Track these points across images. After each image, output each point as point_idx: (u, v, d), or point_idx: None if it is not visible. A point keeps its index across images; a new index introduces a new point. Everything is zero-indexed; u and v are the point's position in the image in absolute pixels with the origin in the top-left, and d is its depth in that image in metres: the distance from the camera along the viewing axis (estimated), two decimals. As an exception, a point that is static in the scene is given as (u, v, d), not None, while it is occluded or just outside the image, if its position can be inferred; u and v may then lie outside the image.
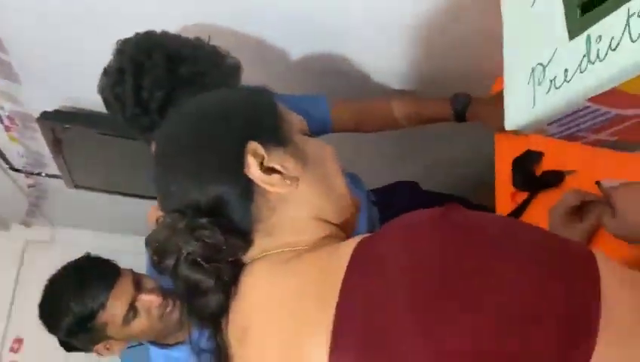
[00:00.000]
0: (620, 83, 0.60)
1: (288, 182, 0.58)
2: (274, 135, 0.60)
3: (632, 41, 0.56)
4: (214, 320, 0.58)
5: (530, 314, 0.41)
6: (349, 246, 0.50)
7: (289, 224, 0.58)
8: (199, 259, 0.56)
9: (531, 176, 1.09)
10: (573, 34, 0.65)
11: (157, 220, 0.60)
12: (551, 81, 0.67)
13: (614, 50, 0.58)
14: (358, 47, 1.28)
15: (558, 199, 0.92)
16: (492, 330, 0.41)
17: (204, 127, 0.60)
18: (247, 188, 0.57)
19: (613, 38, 0.59)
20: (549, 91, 0.67)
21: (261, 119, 0.60)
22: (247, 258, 0.59)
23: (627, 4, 0.58)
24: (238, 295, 0.57)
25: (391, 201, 1.37)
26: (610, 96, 0.63)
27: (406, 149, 1.64)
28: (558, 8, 0.68)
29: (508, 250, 0.44)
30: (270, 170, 0.57)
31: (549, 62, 0.69)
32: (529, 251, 0.44)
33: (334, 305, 0.46)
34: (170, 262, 0.57)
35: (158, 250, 0.58)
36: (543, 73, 0.69)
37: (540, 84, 0.69)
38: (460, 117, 1.23)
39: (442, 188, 1.52)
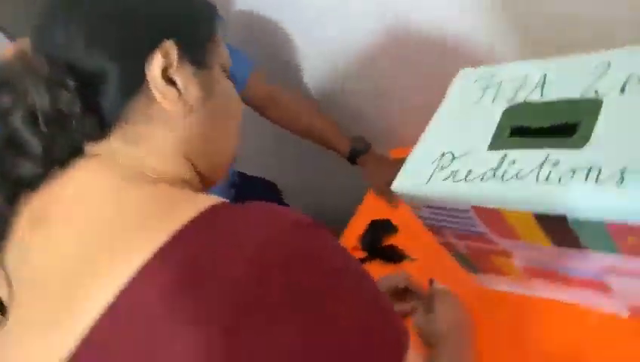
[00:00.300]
0: (507, 209, 0.63)
1: (181, 104, 0.51)
2: (196, 50, 0.53)
3: (536, 181, 0.60)
4: (15, 188, 0.50)
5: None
6: (207, 201, 0.45)
7: (158, 145, 0.51)
8: (40, 118, 0.47)
9: (376, 242, 1.13)
10: (493, 146, 0.68)
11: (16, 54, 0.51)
12: (452, 172, 0.70)
13: (519, 179, 0.62)
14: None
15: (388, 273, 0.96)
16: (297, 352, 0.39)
17: None
18: (136, 81, 0.50)
19: (523, 169, 0.63)
20: (445, 179, 0.69)
21: (194, 25, 0.54)
22: (90, 150, 0.51)
23: (549, 150, 0.62)
24: (57, 180, 0.49)
25: (248, 193, 1.34)
26: (492, 216, 0.66)
27: (304, 155, 1.60)
28: (495, 118, 0.71)
29: (349, 288, 0.43)
30: (170, 82, 0.51)
31: (460, 156, 0.71)
32: (365, 300, 0.44)
33: (160, 245, 0.41)
34: (6, 101, 0.48)
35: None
36: (450, 162, 0.72)
37: (442, 169, 0.71)
38: (351, 158, 1.26)
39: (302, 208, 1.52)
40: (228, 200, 0.47)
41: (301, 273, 0.41)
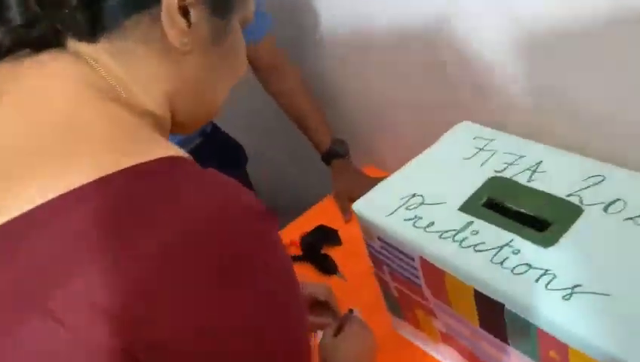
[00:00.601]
0: (452, 274, 0.62)
1: (186, 39, 0.46)
2: None
3: (491, 261, 0.59)
4: None
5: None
6: (169, 150, 0.41)
7: (145, 72, 0.46)
8: None
9: (316, 247, 1.11)
10: (464, 209, 0.66)
11: None
12: (416, 216, 0.68)
13: (475, 251, 0.60)
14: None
15: (315, 281, 0.94)
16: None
17: None
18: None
19: (483, 243, 0.61)
20: (407, 220, 0.68)
21: None
22: (72, 46, 0.46)
23: (514, 236, 0.61)
24: (24, 60, 0.44)
25: (213, 146, 1.29)
26: (434, 274, 0.65)
27: (283, 132, 1.53)
28: (477, 182, 0.70)
29: (270, 289, 0.40)
30: (183, 12, 0.45)
31: (429, 203, 0.69)
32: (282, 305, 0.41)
33: (100, 174, 0.37)
34: None
35: None
36: (417, 206, 0.70)
37: (407, 209, 0.69)
38: (325, 158, 1.23)
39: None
40: (190, 157, 0.43)
41: (229, 257, 0.38)
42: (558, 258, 0.57)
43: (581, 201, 0.63)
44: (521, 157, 0.72)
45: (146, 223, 0.36)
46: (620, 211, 0.60)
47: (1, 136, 0.40)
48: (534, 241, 0.59)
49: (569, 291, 0.53)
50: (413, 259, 0.67)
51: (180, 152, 0.43)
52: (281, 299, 0.42)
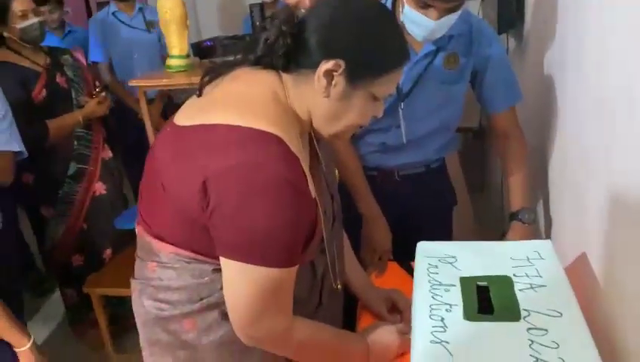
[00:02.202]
0: None
1: (325, 90, 0.90)
2: (354, 76, 0.89)
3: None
4: (242, 62, 0.98)
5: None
6: (274, 130, 0.87)
7: (302, 95, 0.93)
8: (269, 38, 0.91)
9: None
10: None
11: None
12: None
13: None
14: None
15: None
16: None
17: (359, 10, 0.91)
18: (316, 64, 0.89)
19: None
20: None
21: (366, 65, 0.90)
22: (276, 69, 0.94)
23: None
24: (255, 68, 0.96)
25: None
26: None
27: None
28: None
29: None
30: (329, 77, 0.88)
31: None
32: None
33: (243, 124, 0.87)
34: (268, 23, 0.93)
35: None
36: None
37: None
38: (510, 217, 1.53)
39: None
40: (281, 136, 0.87)
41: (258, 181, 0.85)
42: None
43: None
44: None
45: (239, 149, 0.85)
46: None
47: (231, 94, 0.94)
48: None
49: None
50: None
51: (279, 133, 0.86)
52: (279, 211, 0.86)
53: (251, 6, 2.42)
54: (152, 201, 0.99)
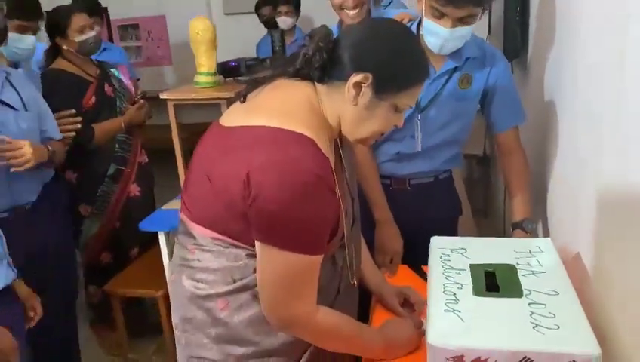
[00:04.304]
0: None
1: (354, 99, 1.04)
2: (381, 88, 1.03)
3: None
4: (283, 73, 1.13)
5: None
6: (306, 132, 1.02)
7: (333, 103, 1.08)
8: (308, 54, 1.07)
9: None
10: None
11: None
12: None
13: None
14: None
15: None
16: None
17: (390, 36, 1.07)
18: (346, 77, 1.04)
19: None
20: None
21: (391, 79, 1.04)
22: (312, 80, 1.09)
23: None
24: (295, 80, 1.11)
25: None
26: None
27: None
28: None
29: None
30: (358, 88, 1.03)
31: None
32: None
33: (277, 125, 1.02)
34: (307, 41, 1.09)
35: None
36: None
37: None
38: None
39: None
40: (314, 139, 1.02)
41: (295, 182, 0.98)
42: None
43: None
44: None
45: (277, 149, 0.99)
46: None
47: (271, 100, 1.10)
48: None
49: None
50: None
51: (312, 136, 1.01)
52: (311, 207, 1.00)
53: (271, 31, 2.65)
54: (197, 192, 1.12)
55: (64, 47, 2.40)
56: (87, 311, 2.74)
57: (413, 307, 1.36)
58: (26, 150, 1.79)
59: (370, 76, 1.02)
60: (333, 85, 1.06)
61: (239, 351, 1.11)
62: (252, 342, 1.11)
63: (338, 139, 1.16)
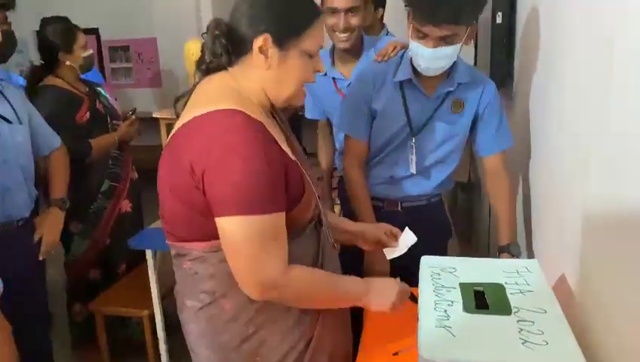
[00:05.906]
0: None
1: (265, 64, 1.10)
2: (281, 40, 1.09)
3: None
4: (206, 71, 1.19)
5: None
6: (234, 107, 1.08)
7: (251, 77, 1.13)
8: (209, 49, 1.15)
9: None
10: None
11: None
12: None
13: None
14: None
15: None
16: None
17: None
18: (249, 48, 1.11)
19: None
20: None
21: (284, 29, 1.10)
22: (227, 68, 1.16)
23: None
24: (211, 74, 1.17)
25: None
26: None
27: None
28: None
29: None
30: (264, 53, 1.09)
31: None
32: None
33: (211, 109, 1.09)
34: (206, 38, 1.16)
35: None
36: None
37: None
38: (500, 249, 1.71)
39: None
40: (243, 112, 1.08)
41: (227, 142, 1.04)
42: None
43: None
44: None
45: (208, 126, 1.06)
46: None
47: (204, 93, 1.15)
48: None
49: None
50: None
51: (240, 108, 1.07)
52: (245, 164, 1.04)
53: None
54: (170, 211, 1.16)
55: (67, 62, 2.44)
56: (70, 331, 2.69)
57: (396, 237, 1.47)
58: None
59: (268, 35, 1.09)
60: (243, 62, 1.14)
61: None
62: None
63: (281, 125, 1.24)
